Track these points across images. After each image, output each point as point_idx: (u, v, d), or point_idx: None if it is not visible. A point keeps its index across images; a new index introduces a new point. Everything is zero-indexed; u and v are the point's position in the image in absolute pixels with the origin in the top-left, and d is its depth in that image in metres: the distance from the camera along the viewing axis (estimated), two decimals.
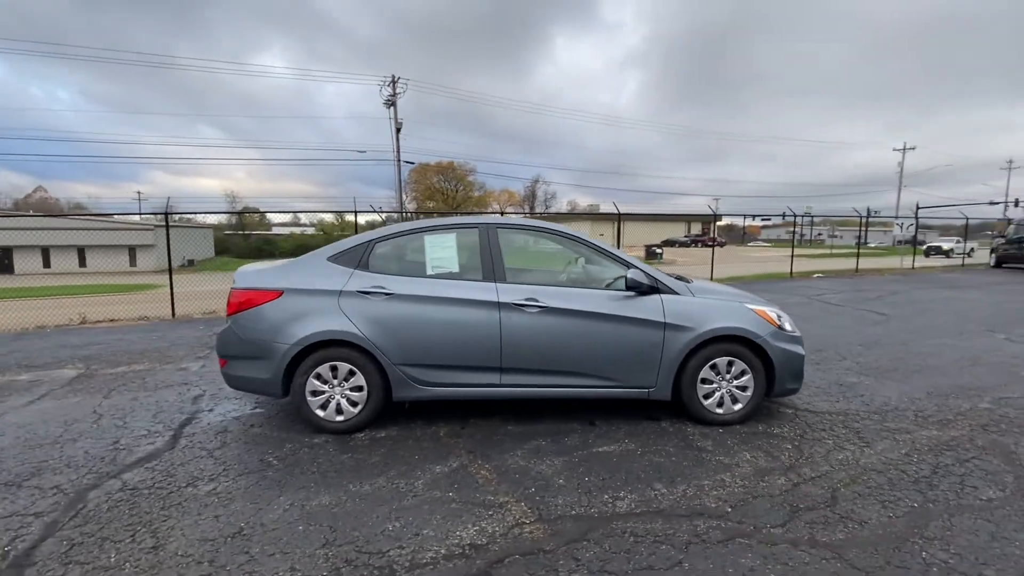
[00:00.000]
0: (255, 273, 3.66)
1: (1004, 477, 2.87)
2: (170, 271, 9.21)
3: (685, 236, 54.08)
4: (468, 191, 59.45)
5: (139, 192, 70.12)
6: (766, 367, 3.60)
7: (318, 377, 3.44)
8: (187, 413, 3.98)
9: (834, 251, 36.98)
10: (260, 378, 3.47)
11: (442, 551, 2.24)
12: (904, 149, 48.35)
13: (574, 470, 2.98)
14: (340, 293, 3.44)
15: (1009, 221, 18.88)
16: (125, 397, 4.37)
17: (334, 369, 3.45)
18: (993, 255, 17.45)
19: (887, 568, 2.11)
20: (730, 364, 3.56)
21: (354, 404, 3.49)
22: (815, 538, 2.32)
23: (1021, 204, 34.74)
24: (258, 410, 4.01)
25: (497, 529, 2.41)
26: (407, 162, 32.70)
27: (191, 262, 35.37)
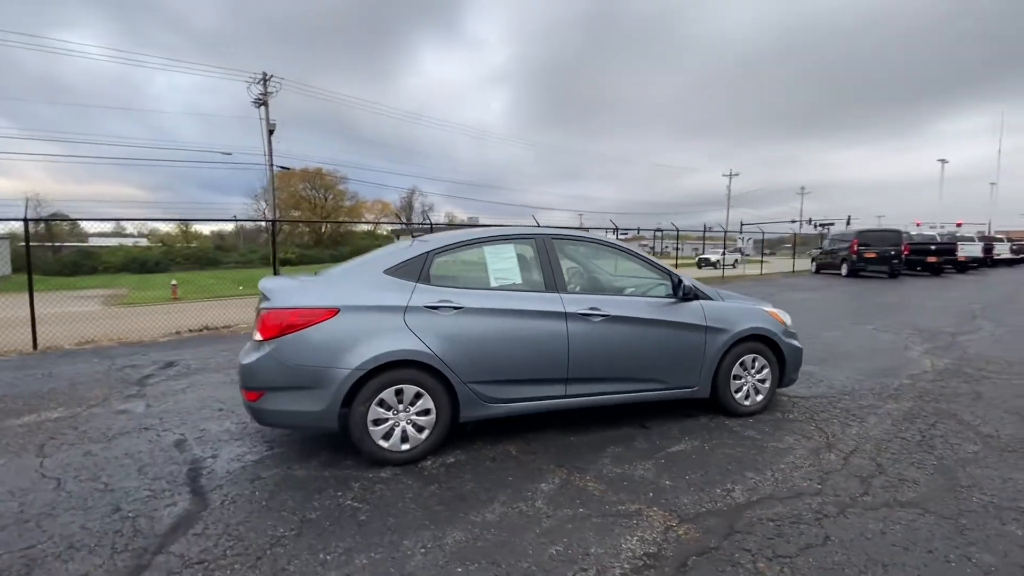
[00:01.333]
0: (298, 289, 3.17)
1: (968, 434, 3.69)
2: (31, 291, 7.22)
3: None
4: (339, 200, 56.24)
5: None
6: (779, 361, 4.12)
7: (381, 403, 3.09)
8: (184, 463, 3.24)
9: (680, 261, 42.45)
10: (311, 411, 3.00)
11: (626, 565, 2.21)
12: (731, 175, 57.73)
13: (668, 471, 3.12)
14: (406, 309, 3.15)
15: (823, 236, 23.73)
16: (73, 453, 3.40)
17: (399, 393, 3.13)
18: (814, 263, 21.85)
19: (965, 513, 2.62)
20: (754, 360, 4.02)
21: (420, 430, 3.20)
22: (898, 499, 2.77)
23: (813, 222, 43.67)
24: (277, 450, 3.43)
25: (654, 536, 2.44)
26: (281, 167, 29.86)
27: None
